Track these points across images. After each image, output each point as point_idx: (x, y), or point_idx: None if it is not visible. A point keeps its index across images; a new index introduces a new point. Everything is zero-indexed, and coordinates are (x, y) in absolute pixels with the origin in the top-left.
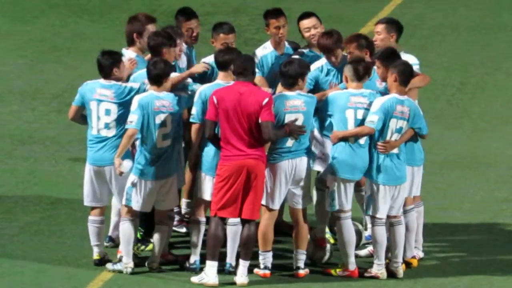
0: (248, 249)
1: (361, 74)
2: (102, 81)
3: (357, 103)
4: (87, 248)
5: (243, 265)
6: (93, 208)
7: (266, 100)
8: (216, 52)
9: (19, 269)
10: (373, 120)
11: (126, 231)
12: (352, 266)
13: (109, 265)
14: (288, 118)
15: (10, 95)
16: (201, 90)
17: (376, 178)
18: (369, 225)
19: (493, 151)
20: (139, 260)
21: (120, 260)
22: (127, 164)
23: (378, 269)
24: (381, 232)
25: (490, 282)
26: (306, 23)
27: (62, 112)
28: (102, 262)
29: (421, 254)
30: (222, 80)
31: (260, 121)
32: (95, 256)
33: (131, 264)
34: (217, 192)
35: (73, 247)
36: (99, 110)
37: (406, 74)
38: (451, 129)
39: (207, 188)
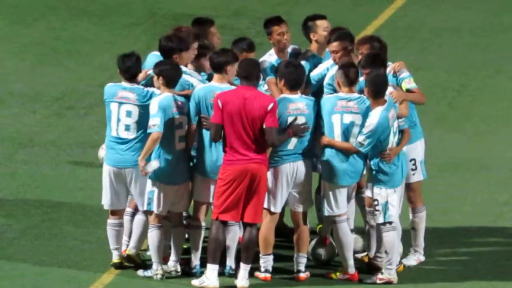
0: (249, 253)
1: (352, 79)
2: (124, 83)
3: (344, 107)
4: (87, 251)
5: (244, 268)
6: (112, 211)
7: (271, 105)
8: (211, 54)
9: (20, 272)
10: (363, 144)
11: (155, 238)
12: (352, 269)
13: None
14: (290, 121)
15: (10, 98)
16: (195, 92)
17: (386, 184)
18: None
19: (494, 153)
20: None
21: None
22: (155, 163)
23: (390, 273)
24: (393, 237)
25: (491, 285)
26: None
27: (62, 115)
28: (121, 265)
29: (422, 258)
30: (217, 82)
31: (264, 126)
32: (116, 259)
33: (161, 271)
34: (219, 196)
35: (74, 250)
36: (120, 112)
37: (377, 85)
38: (451, 132)
39: (206, 190)
